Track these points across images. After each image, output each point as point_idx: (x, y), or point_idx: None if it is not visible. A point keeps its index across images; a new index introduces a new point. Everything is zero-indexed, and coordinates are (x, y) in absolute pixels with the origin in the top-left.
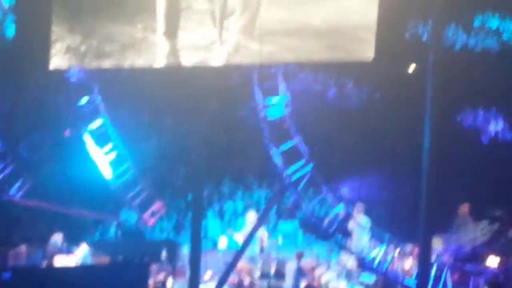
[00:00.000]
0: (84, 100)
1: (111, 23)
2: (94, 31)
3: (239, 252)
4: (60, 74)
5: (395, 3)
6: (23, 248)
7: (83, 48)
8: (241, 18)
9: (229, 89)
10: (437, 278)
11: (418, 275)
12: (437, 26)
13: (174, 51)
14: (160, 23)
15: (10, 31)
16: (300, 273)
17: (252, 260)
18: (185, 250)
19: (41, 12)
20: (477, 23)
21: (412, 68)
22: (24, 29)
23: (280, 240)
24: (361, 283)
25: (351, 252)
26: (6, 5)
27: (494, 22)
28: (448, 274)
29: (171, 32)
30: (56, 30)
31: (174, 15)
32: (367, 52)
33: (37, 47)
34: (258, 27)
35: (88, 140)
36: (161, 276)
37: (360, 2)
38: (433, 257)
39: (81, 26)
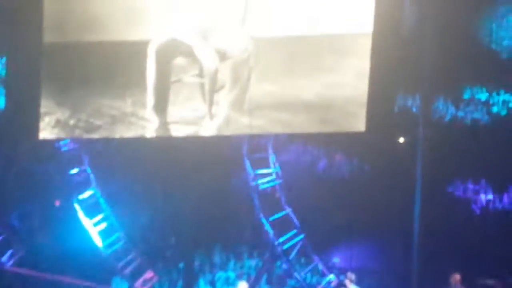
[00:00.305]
0: (74, 170)
1: (100, 97)
2: (83, 105)
3: None
4: (50, 144)
5: (385, 77)
6: None
7: (72, 122)
8: (231, 92)
9: (219, 159)
10: None
11: None
12: (426, 99)
13: (163, 125)
14: (150, 97)
15: (1, 103)
16: None
17: None
18: None
19: (30, 85)
20: (466, 95)
21: (402, 140)
22: (14, 102)
23: None
24: None
25: None
26: None
27: (483, 95)
28: None
29: (161, 106)
30: (45, 104)
31: (164, 89)
32: (358, 125)
33: (27, 119)
34: (248, 101)
35: (79, 210)
36: None
37: (350, 77)
38: None
39: (70, 100)
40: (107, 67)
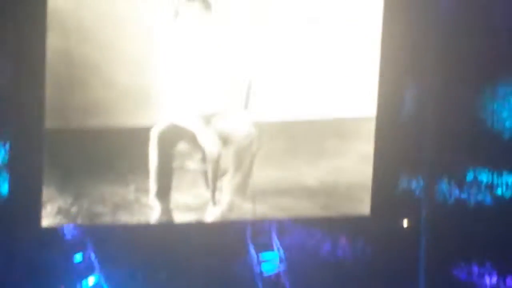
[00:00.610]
0: (78, 257)
1: (102, 183)
2: (85, 192)
3: None
4: (53, 231)
5: (389, 160)
6: None
7: (74, 209)
8: (234, 178)
9: (223, 245)
10: None
11: None
12: (429, 182)
13: (166, 212)
14: (152, 184)
15: (4, 189)
16: None
17: None
18: None
19: (33, 172)
20: (469, 177)
21: (406, 222)
22: (17, 188)
23: None
24: None
25: None
26: None
27: (486, 176)
28: None
29: (164, 193)
30: (47, 191)
31: (167, 175)
32: (362, 210)
33: (30, 206)
34: (251, 187)
35: None
36: None
37: (354, 161)
38: None
39: (72, 187)
40: (109, 154)
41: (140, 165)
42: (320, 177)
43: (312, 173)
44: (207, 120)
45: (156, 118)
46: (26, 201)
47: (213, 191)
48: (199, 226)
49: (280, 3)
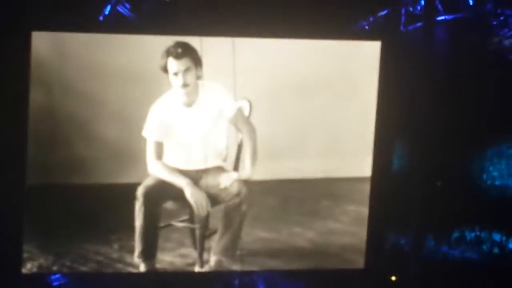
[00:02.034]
0: None
1: (85, 242)
2: (67, 251)
3: None
4: (42, 279)
5: (382, 221)
6: None
7: (55, 268)
8: (223, 238)
9: None
10: None
11: None
12: (417, 238)
13: (151, 272)
14: (137, 243)
15: None
16: None
17: None
18: None
19: (13, 229)
20: (456, 234)
21: (394, 278)
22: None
23: None
24: None
25: None
26: None
27: (474, 234)
28: None
29: (149, 252)
30: (28, 249)
31: (152, 234)
32: (354, 271)
33: (10, 264)
34: (239, 247)
35: None
36: None
37: (347, 223)
38: None
39: (54, 245)
40: (93, 211)
41: (124, 223)
42: (312, 239)
43: (303, 234)
44: (196, 177)
45: (142, 175)
46: (7, 259)
47: (201, 252)
48: (188, 275)
49: (271, 67)
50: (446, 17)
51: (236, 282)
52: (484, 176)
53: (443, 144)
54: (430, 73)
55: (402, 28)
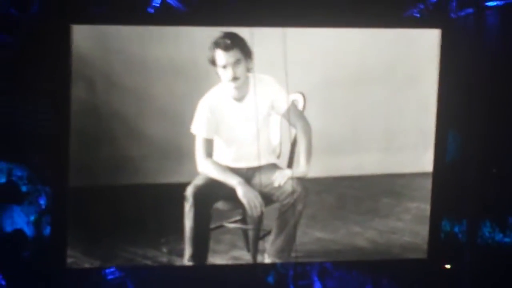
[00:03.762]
0: None
1: (132, 246)
2: (114, 255)
3: None
4: (96, 273)
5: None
6: None
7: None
8: (277, 240)
9: (264, 286)
10: None
11: None
12: (471, 226)
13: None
14: (187, 246)
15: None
16: None
17: None
18: None
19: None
20: (510, 221)
21: (447, 267)
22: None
23: None
24: None
25: None
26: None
27: None
28: None
29: (199, 256)
30: (72, 254)
31: (203, 237)
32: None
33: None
34: (295, 249)
35: None
36: None
37: (408, 221)
38: None
39: (99, 250)
40: (139, 213)
41: (174, 225)
42: (372, 238)
43: (363, 234)
44: (248, 176)
45: (191, 174)
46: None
47: (254, 254)
48: (242, 268)
49: (324, 57)
50: (498, 2)
51: (291, 273)
52: None
53: (499, 131)
54: (482, 61)
55: (452, 15)
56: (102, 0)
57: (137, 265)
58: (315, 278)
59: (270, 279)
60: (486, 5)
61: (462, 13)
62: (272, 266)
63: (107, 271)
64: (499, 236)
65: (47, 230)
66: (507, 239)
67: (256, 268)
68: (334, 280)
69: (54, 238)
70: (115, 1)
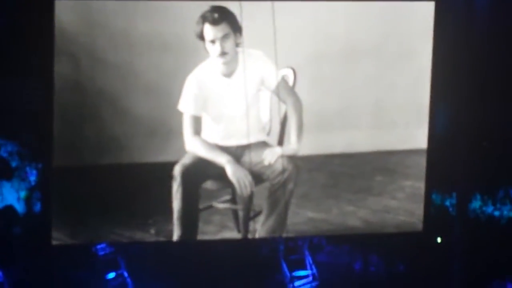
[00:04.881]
0: (111, 274)
1: (119, 227)
2: (100, 237)
3: None
4: (86, 249)
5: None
6: None
7: None
8: (268, 220)
9: (255, 262)
10: None
11: None
12: (462, 199)
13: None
14: (176, 227)
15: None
16: None
17: None
18: None
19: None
20: (501, 194)
21: (439, 240)
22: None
23: None
24: None
25: None
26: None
27: None
28: None
29: (189, 236)
30: (57, 236)
31: (192, 217)
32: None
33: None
34: (286, 229)
35: None
36: None
37: (402, 199)
38: None
39: (85, 230)
40: (126, 193)
41: (161, 205)
42: (365, 217)
43: (355, 213)
44: (238, 154)
45: (179, 153)
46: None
47: (245, 235)
48: (233, 243)
49: (315, 31)
50: None
51: (281, 247)
52: None
53: (489, 105)
54: (474, 35)
55: None
56: None
57: (128, 241)
58: (307, 253)
59: (261, 254)
60: None
61: None
62: (263, 241)
63: (98, 247)
64: (489, 209)
65: (37, 207)
66: (497, 212)
67: (247, 243)
68: (326, 255)
69: (44, 214)
70: None
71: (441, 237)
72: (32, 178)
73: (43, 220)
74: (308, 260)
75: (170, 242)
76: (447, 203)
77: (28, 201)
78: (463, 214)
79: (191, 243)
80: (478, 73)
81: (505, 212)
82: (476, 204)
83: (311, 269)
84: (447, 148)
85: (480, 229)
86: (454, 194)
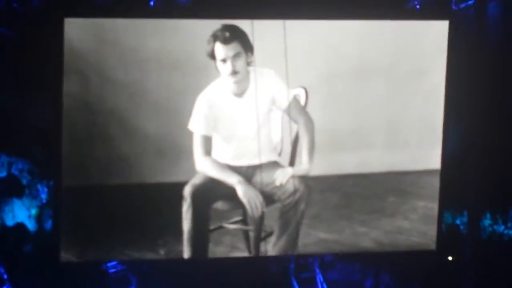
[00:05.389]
0: None
1: (128, 248)
2: (109, 258)
3: None
4: (97, 266)
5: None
6: None
7: None
8: (279, 241)
9: (266, 279)
10: None
11: None
12: (473, 218)
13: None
14: (186, 248)
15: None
16: None
17: None
18: None
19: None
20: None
21: (450, 259)
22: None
23: None
24: None
25: None
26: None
27: None
28: None
29: (199, 257)
30: (65, 256)
31: (202, 238)
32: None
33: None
34: (298, 250)
35: None
36: None
37: (416, 221)
38: None
39: (93, 252)
40: (136, 214)
41: (171, 226)
42: (378, 238)
43: (368, 234)
44: (249, 174)
45: (189, 173)
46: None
47: (256, 256)
48: (243, 261)
49: (327, 51)
50: None
51: (292, 265)
52: None
53: (500, 124)
54: (488, 54)
55: (453, 7)
56: None
57: (139, 259)
58: (317, 271)
59: (272, 272)
60: None
61: (463, 5)
62: (273, 259)
63: (108, 264)
64: (500, 228)
65: (48, 224)
66: (508, 231)
67: (257, 261)
68: (336, 272)
69: (56, 232)
70: None
71: (452, 255)
72: (43, 196)
73: (54, 238)
74: (319, 278)
75: (181, 259)
76: (458, 221)
77: (39, 218)
78: (475, 232)
79: (202, 261)
80: (491, 93)
81: None
82: (486, 222)
83: (322, 287)
84: (460, 168)
85: (492, 248)
86: (465, 213)
